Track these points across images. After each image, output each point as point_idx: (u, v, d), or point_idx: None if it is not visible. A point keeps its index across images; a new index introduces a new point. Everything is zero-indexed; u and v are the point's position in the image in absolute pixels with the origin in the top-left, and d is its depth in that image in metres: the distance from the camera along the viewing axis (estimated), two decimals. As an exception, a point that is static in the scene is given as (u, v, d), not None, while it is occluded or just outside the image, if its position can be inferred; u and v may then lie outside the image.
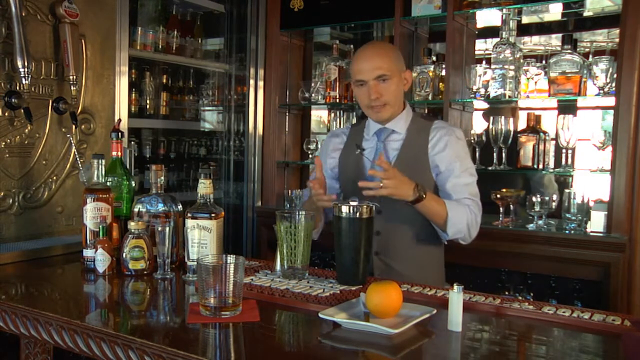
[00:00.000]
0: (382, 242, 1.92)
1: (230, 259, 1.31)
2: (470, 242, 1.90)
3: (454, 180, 1.91)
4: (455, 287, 1.24)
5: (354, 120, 3.44)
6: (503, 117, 2.75)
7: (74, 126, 2.11)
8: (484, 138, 2.85)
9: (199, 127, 3.69)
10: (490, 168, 2.82)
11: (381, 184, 1.68)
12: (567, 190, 2.63)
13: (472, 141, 2.85)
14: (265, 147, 3.47)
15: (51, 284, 1.74)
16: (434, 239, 1.95)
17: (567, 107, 3.17)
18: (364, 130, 2.08)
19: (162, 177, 1.80)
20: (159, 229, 1.63)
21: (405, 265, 1.91)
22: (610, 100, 2.52)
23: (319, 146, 3.18)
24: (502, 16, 2.83)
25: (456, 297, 1.23)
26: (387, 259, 1.92)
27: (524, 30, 3.38)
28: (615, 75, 2.48)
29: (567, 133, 2.62)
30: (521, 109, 3.65)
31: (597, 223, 2.51)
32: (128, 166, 2.15)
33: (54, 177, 2.09)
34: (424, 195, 1.75)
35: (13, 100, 1.93)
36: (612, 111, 2.51)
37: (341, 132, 2.17)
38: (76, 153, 2.11)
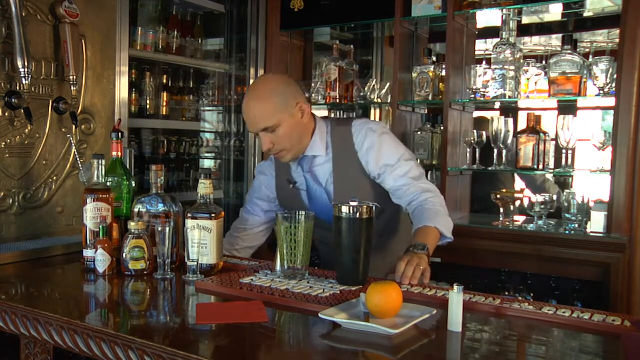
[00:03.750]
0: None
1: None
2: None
3: (393, 174, 1.86)
4: (455, 287, 1.24)
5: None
6: (503, 117, 2.75)
7: (74, 126, 2.11)
8: (484, 138, 2.86)
9: (199, 127, 3.69)
10: (490, 168, 2.82)
11: (421, 267, 1.59)
12: (567, 190, 2.64)
13: (472, 141, 2.85)
14: (265, 147, 3.46)
15: (51, 284, 1.74)
16: (391, 243, 1.99)
17: (567, 107, 3.17)
18: None
19: (162, 177, 1.80)
20: (159, 229, 1.63)
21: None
22: (610, 101, 2.52)
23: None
24: (502, 16, 2.84)
25: (456, 297, 1.23)
26: None
27: (524, 30, 3.39)
28: (615, 76, 2.48)
29: (567, 133, 2.62)
30: (521, 109, 3.65)
31: (597, 223, 2.51)
32: (128, 166, 2.15)
33: (54, 177, 2.09)
34: (429, 249, 1.67)
35: (13, 100, 1.93)
36: (612, 111, 2.51)
37: (267, 166, 2.09)
38: (76, 153, 2.11)
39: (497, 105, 3.52)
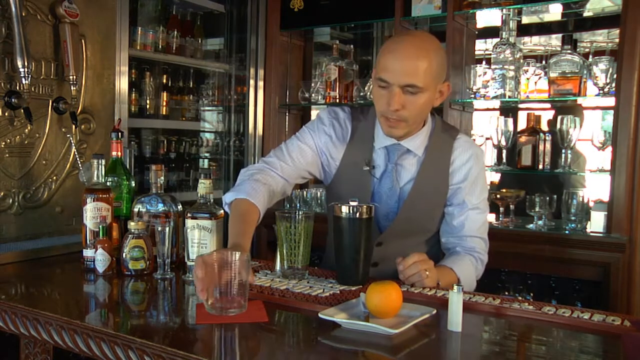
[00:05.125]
0: (378, 274, 1.69)
1: (236, 255, 1.30)
2: None
3: (466, 214, 1.72)
4: (455, 287, 1.24)
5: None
6: (503, 117, 2.75)
7: (74, 126, 2.11)
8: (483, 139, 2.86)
9: (199, 127, 3.69)
10: (490, 168, 2.82)
11: (427, 273, 1.52)
12: (567, 191, 2.63)
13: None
14: (265, 147, 3.47)
15: (51, 284, 1.74)
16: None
17: (567, 107, 3.17)
18: (373, 131, 1.73)
19: (162, 177, 1.80)
20: (159, 229, 1.63)
21: None
22: (610, 101, 2.53)
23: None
24: (502, 16, 2.84)
25: (456, 297, 1.23)
26: None
27: (524, 30, 3.38)
28: (615, 76, 2.49)
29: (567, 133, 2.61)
30: (521, 109, 3.65)
31: (597, 223, 2.51)
32: (128, 166, 2.15)
33: (54, 177, 2.09)
34: (440, 283, 1.57)
35: (13, 100, 1.93)
36: (612, 111, 2.51)
37: (345, 119, 1.77)
38: (76, 153, 2.11)
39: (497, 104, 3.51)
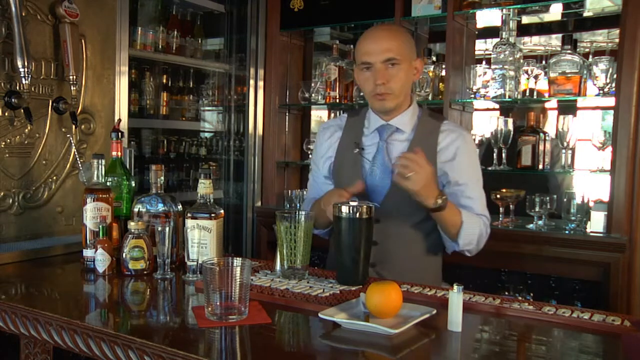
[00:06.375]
0: (379, 252, 1.77)
1: (237, 261, 1.29)
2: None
3: (471, 194, 1.81)
4: (455, 287, 1.24)
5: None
6: (503, 117, 2.75)
7: (74, 126, 2.11)
8: (483, 139, 2.86)
9: (199, 127, 3.69)
10: (490, 168, 2.82)
11: (411, 174, 1.59)
12: (567, 191, 2.63)
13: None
14: (265, 147, 3.47)
15: (51, 284, 1.74)
16: (434, 249, 1.87)
17: (567, 107, 3.17)
18: (363, 122, 1.91)
19: (162, 177, 1.80)
20: (159, 229, 1.63)
21: (401, 278, 1.65)
22: (610, 101, 2.52)
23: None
24: (502, 16, 2.84)
25: (456, 297, 1.23)
26: (383, 271, 1.79)
27: (524, 30, 3.38)
28: (615, 76, 2.49)
29: (567, 133, 2.61)
30: (521, 109, 3.65)
31: (597, 223, 2.51)
32: (128, 166, 2.15)
33: (54, 177, 2.09)
34: (445, 206, 1.65)
35: (13, 100, 1.93)
36: (612, 111, 2.51)
37: (335, 125, 1.99)
38: (76, 153, 2.11)
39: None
